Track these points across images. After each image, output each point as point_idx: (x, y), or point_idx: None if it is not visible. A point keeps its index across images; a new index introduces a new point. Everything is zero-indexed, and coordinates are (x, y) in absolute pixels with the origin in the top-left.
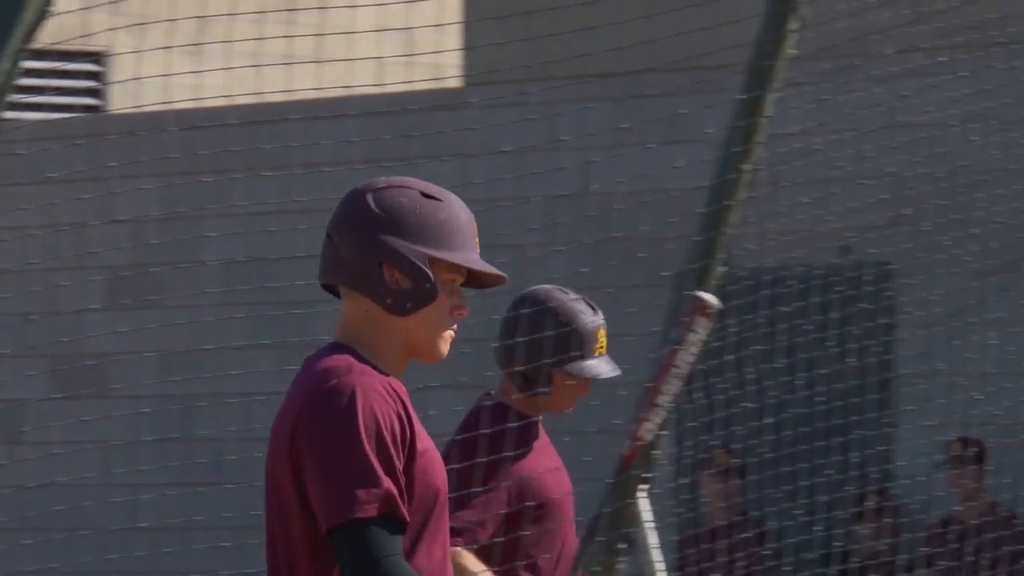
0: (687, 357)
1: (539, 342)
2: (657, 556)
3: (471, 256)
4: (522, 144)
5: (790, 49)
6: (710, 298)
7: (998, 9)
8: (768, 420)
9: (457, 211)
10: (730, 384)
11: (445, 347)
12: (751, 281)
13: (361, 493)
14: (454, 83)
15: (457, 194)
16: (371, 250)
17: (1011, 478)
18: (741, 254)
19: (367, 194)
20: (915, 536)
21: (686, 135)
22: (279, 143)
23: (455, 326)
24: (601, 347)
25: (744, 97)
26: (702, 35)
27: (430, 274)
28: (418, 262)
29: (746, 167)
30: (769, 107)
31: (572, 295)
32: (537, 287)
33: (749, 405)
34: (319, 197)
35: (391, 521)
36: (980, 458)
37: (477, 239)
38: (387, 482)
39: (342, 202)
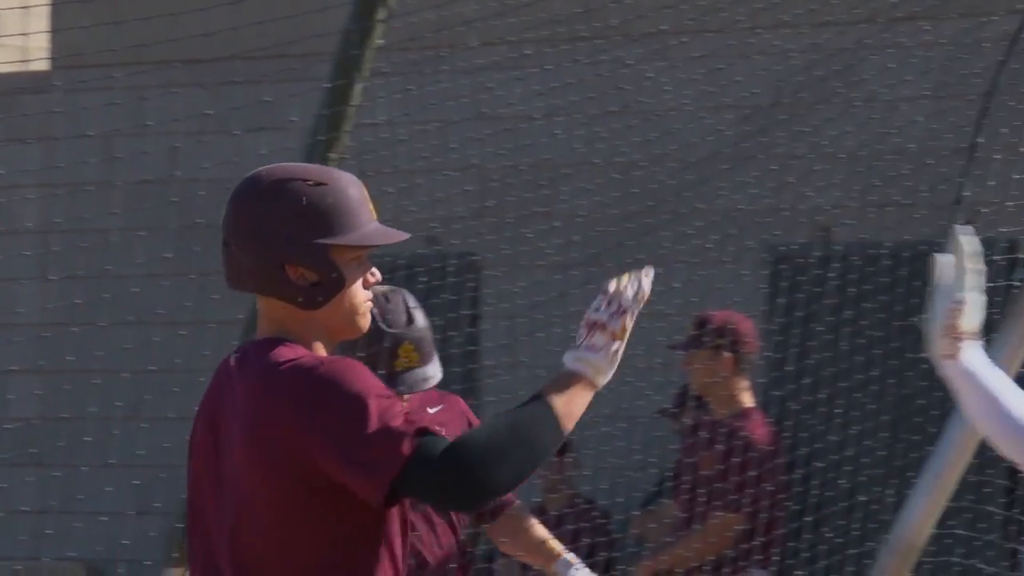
0: None
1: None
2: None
3: (368, 232)
4: (108, 129)
5: (378, 39)
6: None
7: (583, 3)
8: None
9: (344, 188)
10: None
11: (365, 320)
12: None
13: (389, 444)
14: (41, 66)
15: (41, 178)
16: (271, 253)
17: (590, 470)
18: None
19: (252, 196)
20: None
21: (271, 122)
22: None
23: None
24: None
25: (331, 86)
26: (289, 23)
27: (335, 262)
28: (319, 255)
29: (332, 155)
30: (356, 96)
31: None
32: None
33: None
34: None
35: (427, 437)
36: (563, 450)
37: (371, 206)
38: (398, 408)
39: (231, 206)
